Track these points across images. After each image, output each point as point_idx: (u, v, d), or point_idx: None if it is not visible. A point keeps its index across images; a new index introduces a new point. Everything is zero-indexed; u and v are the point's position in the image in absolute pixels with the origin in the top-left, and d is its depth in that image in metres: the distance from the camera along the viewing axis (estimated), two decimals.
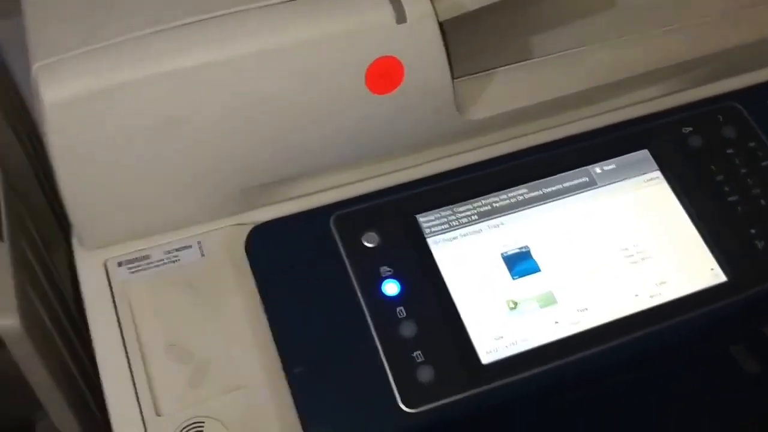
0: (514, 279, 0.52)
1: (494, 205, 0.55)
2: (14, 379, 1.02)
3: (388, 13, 0.46)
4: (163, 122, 0.45)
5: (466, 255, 0.53)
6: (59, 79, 0.43)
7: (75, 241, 0.50)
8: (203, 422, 0.45)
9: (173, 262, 0.49)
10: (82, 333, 0.56)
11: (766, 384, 0.75)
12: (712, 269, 0.54)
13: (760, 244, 0.55)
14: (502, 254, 0.53)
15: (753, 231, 0.55)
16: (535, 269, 0.53)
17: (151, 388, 0.46)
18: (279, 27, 0.45)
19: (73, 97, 0.43)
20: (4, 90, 0.56)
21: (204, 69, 0.44)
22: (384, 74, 0.47)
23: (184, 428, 0.45)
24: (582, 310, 0.52)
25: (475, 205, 0.55)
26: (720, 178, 0.57)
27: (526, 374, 0.49)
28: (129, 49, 0.44)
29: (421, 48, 0.47)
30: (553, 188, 0.56)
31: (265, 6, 0.45)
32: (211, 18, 0.45)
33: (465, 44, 0.55)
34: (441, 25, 0.49)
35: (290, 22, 0.45)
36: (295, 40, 0.45)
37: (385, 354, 0.48)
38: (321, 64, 0.46)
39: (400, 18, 0.45)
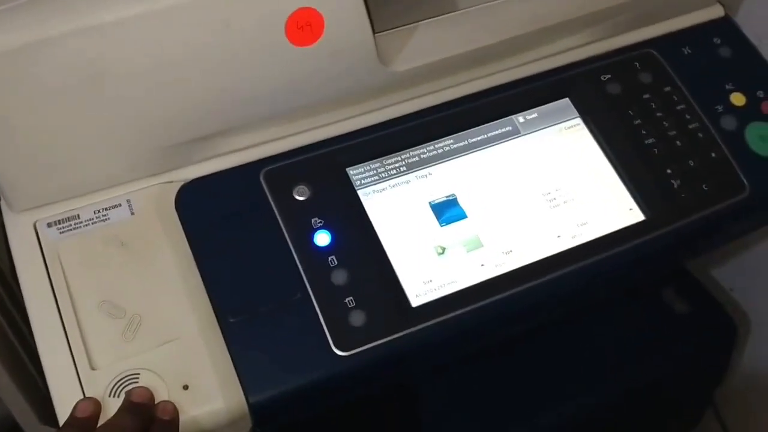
0: (441, 226, 0.54)
1: (422, 156, 0.57)
2: None
3: None
4: (84, 79, 0.45)
5: (395, 205, 0.54)
6: None
7: (3, 205, 0.50)
8: (138, 374, 0.46)
9: (103, 221, 0.50)
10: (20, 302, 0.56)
11: (696, 324, 0.79)
12: (630, 209, 0.57)
13: (675, 183, 0.57)
14: (430, 203, 0.55)
15: (669, 171, 0.58)
16: (462, 216, 0.55)
17: (85, 344, 0.46)
18: None
19: None
20: None
21: (123, 23, 0.44)
22: (304, 25, 0.48)
23: (119, 381, 0.46)
24: (507, 252, 0.54)
25: (404, 156, 0.56)
26: (638, 122, 0.59)
27: (453, 314, 0.51)
28: (47, 5, 0.43)
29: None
30: (478, 138, 0.58)
31: None
32: None
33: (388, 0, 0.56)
34: None
35: None
36: None
37: (317, 301, 0.49)
38: (239, 14, 0.46)
39: None
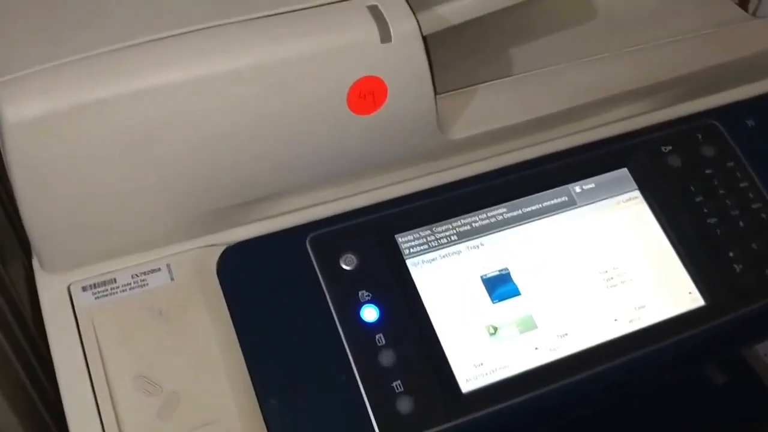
0: (494, 303, 0.51)
1: (474, 224, 0.54)
2: None
3: (373, 31, 0.44)
4: (131, 142, 0.42)
5: (445, 278, 0.52)
6: (21, 96, 0.40)
7: (36, 263, 0.48)
8: None
9: (141, 286, 0.47)
10: (42, 354, 0.53)
11: (732, 395, 0.76)
12: (690, 293, 0.54)
13: (738, 268, 0.55)
14: (481, 277, 0.52)
15: (731, 254, 0.55)
16: (515, 292, 0.52)
17: (118, 422, 0.43)
18: (259, 44, 0.43)
19: (35, 116, 0.40)
20: None
21: (178, 87, 0.42)
22: (366, 94, 0.45)
23: None
24: (562, 336, 0.51)
25: (455, 225, 0.54)
26: (699, 198, 0.57)
27: (506, 403, 0.48)
28: (96, 66, 0.41)
29: (405, 68, 0.45)
30: (533, 208, 0.55)
31: (245, 20, 0.43)
32: (186, 33, 0.42)
33: (446, 57, 0.54)
34: (425, 40, 0.47)
35: (271, 38, 0.43)
36: (275, 58, 0.43)
37: (363, 384, 0.46)
38: (301, 83, 0.44)
39: (385, 37, 0.44)
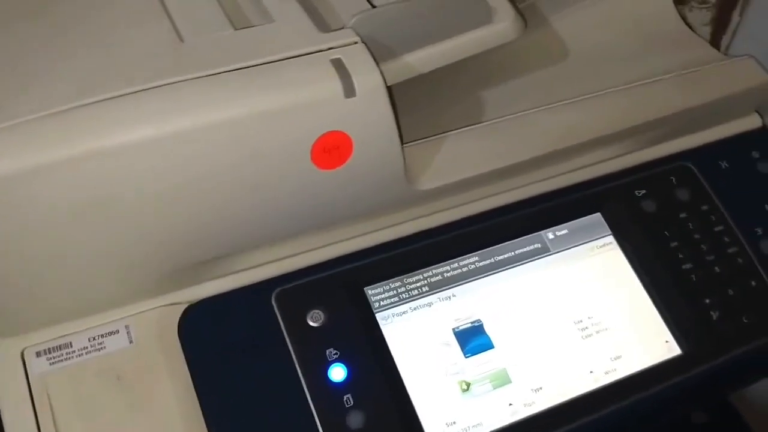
0: (466, 357, 0.50)
1: (445, 275, 0.53)
2: None
3: (337, 86, 0.42)
4: (86, 203, 0.41)
5: (416, 331, 0.50)
6: None
7: None
8: None
9: (98, 350, 0.45)
10: None
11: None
12: (666, 341, 0.53)
13: (715, 314, 0.54)
14: (453, 329, 0.51)
15: (707, 301, 0.54)
16: (489, 345, 0.51)
17: None
18: (218, 100, 0.41)
19: None
20: None
21: (135, 146, 0.40)
22: (331, 149, 0.44)
23: None
24: (537, 390, 0.50)
25: (426, 275, 0.52)
26: (674, 243, 0.56)
27: None
28: (50, 126, 0.39)
29: (370, 121, 0.44)
30: (505, 256, 0.54)
31: (204, 77, 0.41)
32: (144, 90, 0.41)
33: (413, 102, 0.52)
34: (390, 90, 0.45)
35: (230, 94, 0.41)
36: (235, 115, 0.41)
37: None
38: (262, 140, 0.42)
39: (349, 92, 0.42)
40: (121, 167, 0.40)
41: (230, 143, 0.42)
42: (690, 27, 0.66)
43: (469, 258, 0.53)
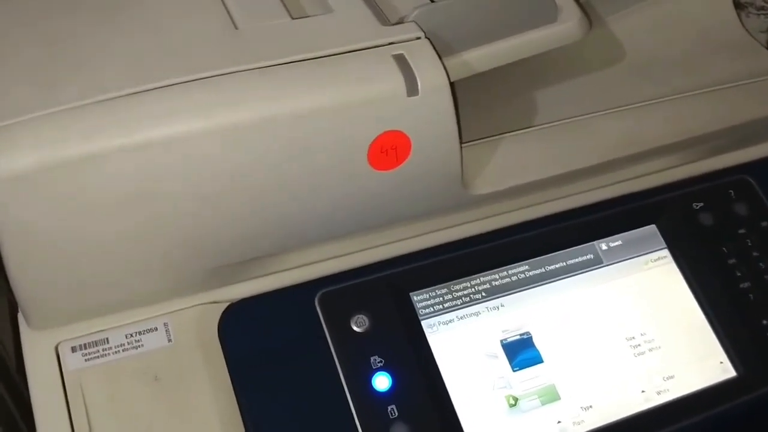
0: (514, 371, 0.48)
1: (493, 283, 0.50)
2: None
3: (399, 84, 0.40)
4: (131, 196, 0.39)
5: (462, 342, 0.48)
6: (10, 148, 0.36)
7: (21, 319, 0.44)
8: None
9: (135, 348, 0.43)
10: (26, 405, 0.49)
11: None
12: (721, 362, 0.51)
13: None
14: (501, 341, 0.49)
15: (765, 321, 0.52)
16: (538, 359, 0.49)
17: None
18: (273, 95, 0.39)
19: (25, 169, 0.36)
20: None
21: (183, 140, 0.38)
22: (388, 149, 0.41)
23: None
24: (586, 408, 0.48)
25: (473, 283, 0.50)
26: (731, 260, 0.53)
27: None
28: (93, 116, 0.37)
29: (431, 122, 0.42)
30: (556, 266, 0.52)
31: (259, 68, 0.39)
32: (196, 80, 0.38)
33: (468, 102, 0.50)
34: (452, 88, 0.43)
35: (286, 89, 0.39)
36: (291, 111, 0.39)
37: None
38: (318, 137, 0.40)
39: (412, 90, 0.40)
40: (167, 160, 0.39)
41: (284, 140, 0.40)
42: (753, 37, 0.63)
43: (519, 267, 0.51)
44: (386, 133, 0.41)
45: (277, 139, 0.39)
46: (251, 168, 0.40)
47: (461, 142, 0.44)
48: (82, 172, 0.37)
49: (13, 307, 0.46)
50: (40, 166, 0.36)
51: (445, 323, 0.49)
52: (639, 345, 0.50)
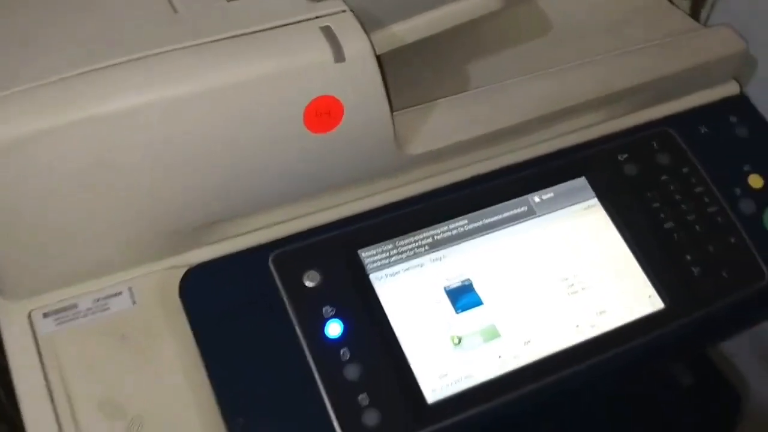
0: (457, 313, 0.52)
1: (436, 237, 0.54)
2: None
3: (326, 52, 0.44)
4: (88, 168, 0.43)
5: (408, 290, 0.52)
6: None
7: None
8: None
9: (103, 310, 0.47)
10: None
11: (700, 394, 0.77)
12: (650, 296, 0.55)
13: (696, 270, 0.56)
14: (444, 288, 0.53)
15: (689, 257, 0.56)
16: (478, 302, 0.53)
17: None
18: (212, 67, 0.43)
19: None
20: None
21: (133, 112, 0.42)
22: (322, 113, 0.46)
23: None
24: (525, 343, 0.52)
25: (417, 238, 0.54)
26: (656, 204, 0.58)
27: (471, 412, 0.49)
28: (50, 93, 0.41)
29: (360, 86, 0.46)
30: (493, 219, 0.56)
31: (197, 45, 0.43)
32: (141, 58, 0.42)
33: (401, 75, 0.54)
34: (378, 59, 0.47)
35: (224, 62, 0.43)
36: (229, 81, 0.43)
37: (329, 399, 0.47)
38: (256, 105, 0.44)
39: (338, 57, 0.44)
40: (119, 132, 0.42)
41: (224, 109, 0.44)
42: (670, 1, 0.68)
43: (458, 221, 0.55)
44: (319, 98, 0.45)
45: (219, 110, 0.43)
46: (198, 137, 0.44)
47: (391, 106, 0.48)
48: (39, 146, 0.41)
49: None
50: (4, 139, 0.40)
51: (392, 275, 0.53)
52: (573, 285, 0.55)
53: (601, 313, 0.54)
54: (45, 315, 0.46)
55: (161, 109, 0.42)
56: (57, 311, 0.47)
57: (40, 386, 0.44)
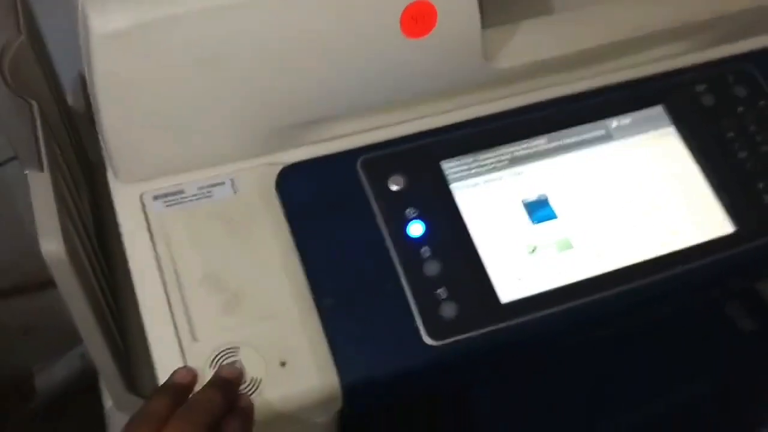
0: (533, 224, 0.54)
1: (515, 153, 0.57)
2: (16, 330, 1.04)
3: None
4: (203, 58, 0.46)
5: (487, 200, 0.55)
6: (107, 11, 0.44)
7: (110, 174, 0.52)
8: (238, 347, 0.47)
9: (207, 197, 0.51)
10: (104, 270, 0.58)
11: (759, 339, 0.78)
12: (721, 221, 0.56)
13: (766, 198, 0.57)
14: (522, 201, 0.55)
15: (760, 185, 0.57)
16: (553, 216, 0.55)
17: (188, 316, 0.48)
18: None
19: (120, 29, 0.44)
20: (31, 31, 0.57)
21: (244, 5, 0.45)
22: (418, 18, 0.48)
23: (220, 353, 0.47)
24: (597, 256, 0.54)
25: (497, 153, 0.57)
26: (730, 135, 0.59)
27: (541, 314, 0.51)
28: None
29: None
30: (572, 140, 0.58)
31: None
32: None
33: None
34: None
35: None
36: None
37: (410, 290, 0.50)
38: (357, 4, 0.47)
39: None
40: (230, 26, 0.46)
41: (328, 8, 0.47)
42: None
43: (538, 139, 0.58)
44: (416, 2, 0.48)
45: (323, 8, 0.46)
46: (301, 36, 0.47)
47: (482, 19, 0.51)
48: (165, 32, 0.44)
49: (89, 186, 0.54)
50: (132, 25, 0.44)
51: (472, 186, 0.55)
52: (645, 206, 0.56)
53: (672, 233, 0.56)
54: (155, 197, 0.51)
55: (273, 4, 0.45)
56: (166, 194, 0.51)
57: (150, 259, 0.49)
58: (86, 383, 0.79)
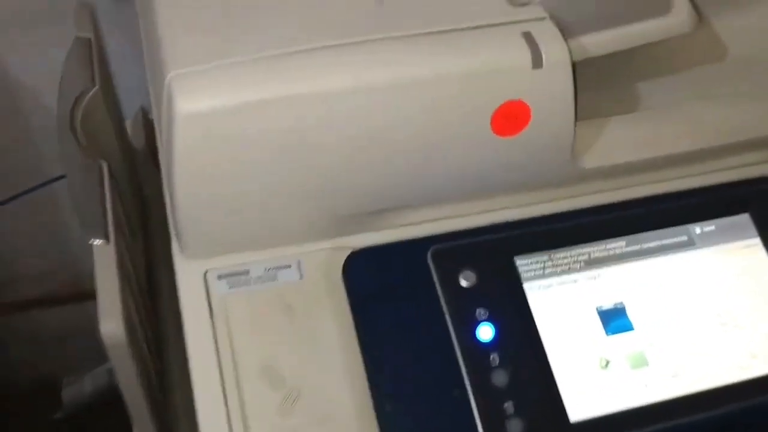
0: (607, 335, 0.52)
1: (592, 255, 0.54)
2: (50, 339, 1.03)
3: (525, 57, 0.45)
4: (286, 143, 0.44)
5: (560, 305, 0.52)
6: (194, 90, 0.42)
7: (175, 248, 0.50)
8: None
9: (272, 280, 0.49)
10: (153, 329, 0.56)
11: None
12: None
13: None
14: (597, 308, 0.52)
15: None
16: (629, 327, 0.52)
17: (242, 408, 0.45)
18: (416, 59, 0.44)
19: (206, 109, 0.42)
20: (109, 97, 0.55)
21: (333, 95, 0.43)
22: (510, 117, 0.46)
23: None
24: (673, 376, 0.51)
25: (573, 253, 0.54)
26: None
27: None
28: (265, 68, 0.43)
29: (552, 94, 0.46)
30: (652, 244, 0.55)
31: (403, 36, 0.44)
32: (348, 44, 0.44)
33: (578, 88, 0.54)
34: (574, 68, 0.47)
35: (427, 55, 0.44)
36: (429, 75, 0.44)
37: (475, 401, 0.47)
38: (449, 101, 0.45)
39: (537, 63, 0.44)
40: (318, 113, 0.44)
41: (420, 101, 0.45)
42: None
43: (617, 241, 0.55)
44: (510, 101, 0.45)
45: (414, 101, 0.44)
46: (389, 127, 0.45)
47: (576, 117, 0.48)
48: (251, 116, 0.43)
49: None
50: (216, 108, 0.42)
51: (545, 287, 0.53)
52: (726, 323, 0.53)
53: (753, 356, 0.52)
54: (219, 277, 0.49)
55: (361, 96, 0.44)
56: (230, 274, 0.49)
57: (209, 343, 0.47)
58: (112, 399, 0.78)
